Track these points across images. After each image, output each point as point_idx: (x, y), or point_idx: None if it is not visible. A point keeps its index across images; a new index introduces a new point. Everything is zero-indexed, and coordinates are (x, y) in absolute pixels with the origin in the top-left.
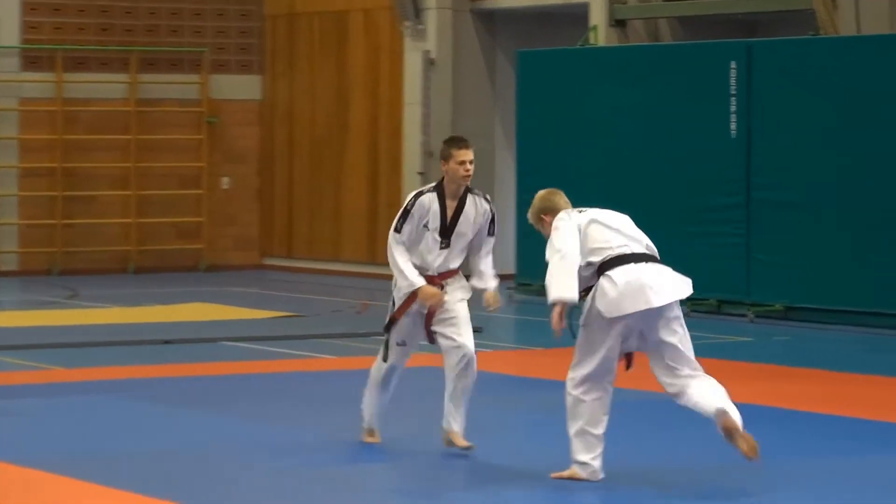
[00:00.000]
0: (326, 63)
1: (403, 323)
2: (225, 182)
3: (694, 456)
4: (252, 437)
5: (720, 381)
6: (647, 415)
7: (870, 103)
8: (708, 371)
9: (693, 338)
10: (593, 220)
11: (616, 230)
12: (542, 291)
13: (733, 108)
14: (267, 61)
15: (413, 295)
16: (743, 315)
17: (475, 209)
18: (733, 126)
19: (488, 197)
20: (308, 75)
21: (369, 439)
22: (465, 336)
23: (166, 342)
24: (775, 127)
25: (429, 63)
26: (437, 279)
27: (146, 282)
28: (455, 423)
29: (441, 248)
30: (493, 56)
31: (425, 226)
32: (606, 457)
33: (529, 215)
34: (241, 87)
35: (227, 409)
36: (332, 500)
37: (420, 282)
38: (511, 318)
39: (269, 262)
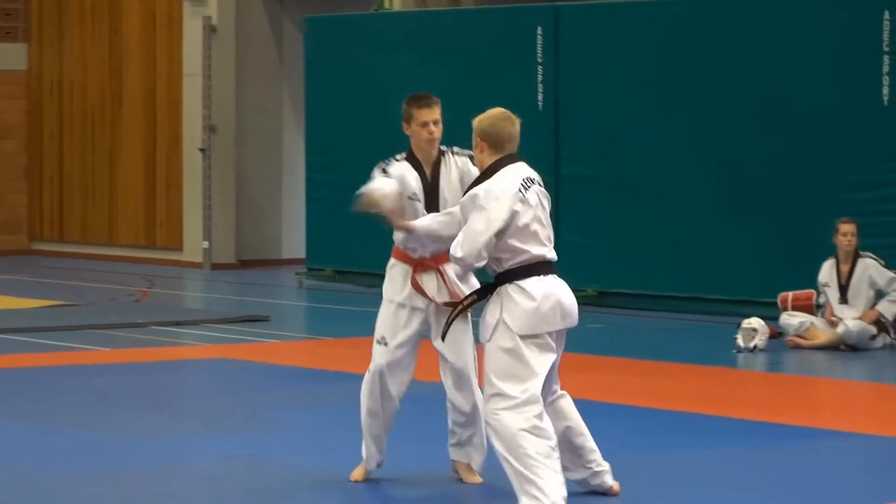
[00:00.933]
0: (98, 29)
1: (383, 313)
2: None
3: None
4: (18, 438)
5: None
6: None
7: (688, 70)
8: None
9: None
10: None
11: (542, 227)
12: (333, 278)
13: (540, 78)
14: (33, 28)
15: (412, 281)
16: None
17: (456, 169)
18: (540, 97)
19: (456, 149)
20: (78, 43)
21: (355, 474)
22: (461, 352)
23: None
24: (585, 97)
25: (210, 30)
26: (431, 262)
27: None
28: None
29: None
30: (280, 23)
31: (410, 197)
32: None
33: (479, 126)
34: (4, 56)
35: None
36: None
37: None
38: (300, 305)
39: (38, 246)
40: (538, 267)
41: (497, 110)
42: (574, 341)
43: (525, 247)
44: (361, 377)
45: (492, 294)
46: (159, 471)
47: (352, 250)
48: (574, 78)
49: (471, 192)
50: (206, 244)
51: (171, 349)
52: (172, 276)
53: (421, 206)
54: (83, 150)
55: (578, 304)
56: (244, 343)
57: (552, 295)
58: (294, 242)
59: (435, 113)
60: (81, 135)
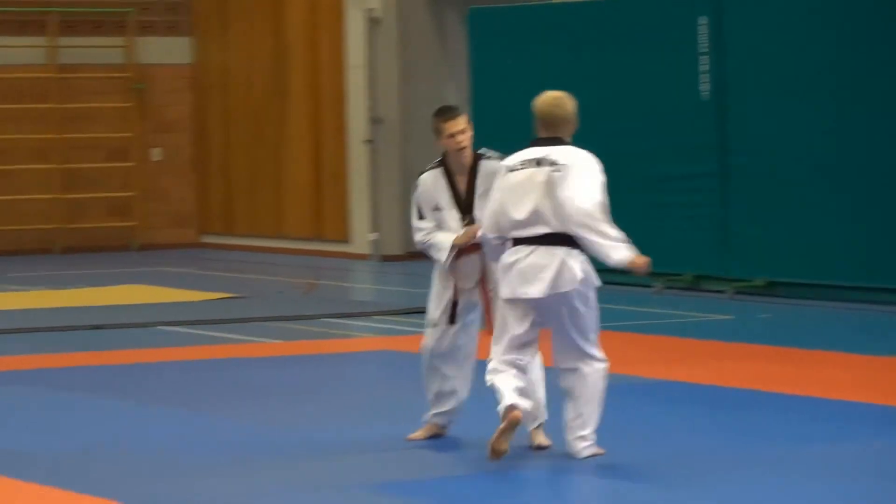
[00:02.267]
0: (262, 22)
1: (434, 295)
2: (156, 153)
3: (676, 442)
4: (188, 429)
5: (699, 363)
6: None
7: (856, 55)
8: (686, 352)
9: (668, 316)
10: None
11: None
12: None
13: (704, 68)
14: (197, 21)
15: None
16: (721, 291)
17: (484, 173)
18: (703, 87)
19: (490, 153)
20: (242, 36)
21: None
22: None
23: (96, 328)
24: (751, 86)
25: (372, 22)
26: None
27: (74, 262)
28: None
29: (464, 225)
30: (443, 14)
31: (436, 208)
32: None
33: (534, 108)
34: (170, 50)
35: (162, 399)
36: (262, 493)
37: (450, 238)
38: None
39: (206, 239)
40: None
41: (549, 94)
42: (743, 331)
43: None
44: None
45: None
46: (323, 461)
47: None
48: (739, 67)
49: None
50: (373, 236)
51: (340, 341)
52: (340, 268)
53: (449, 213)
54: (249, 143)
55: (747, 293)
56: (413, 335)
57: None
58: None
59: (460, 123)
60: (247, 128)
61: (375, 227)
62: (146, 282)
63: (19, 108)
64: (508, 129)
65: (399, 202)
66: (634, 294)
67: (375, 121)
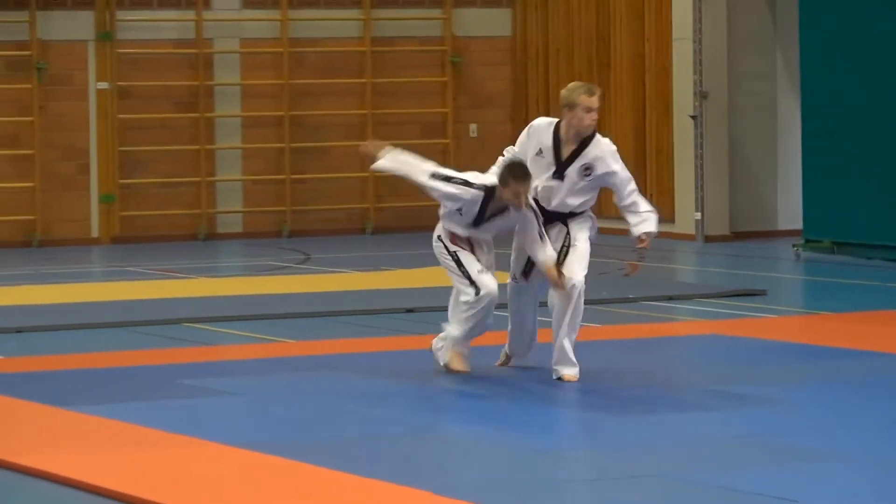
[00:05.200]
0: None
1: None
2: (473, 129)
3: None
4: (503, 416)
5: None
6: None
7: None
8: None
9: None
10: None
11: None
12: (832, 249)
13: None
14: None
15: None
16: None
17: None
18: None
19: None
20: (564, 8)
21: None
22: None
23: (409, 311)
24: None
25: None
26: None
27: (386, 243)
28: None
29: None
30: None
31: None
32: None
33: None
34: (488, 23)
35: (477, 385)
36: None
37: None
38: (797, 278)
39: None
40: None
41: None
42: None
43: None
44: (864, 353)
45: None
46: (653, 449)
47: (851, 220)
48: None
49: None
50: (698, 215)
51: (663, 325)
52: (664, 248)
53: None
54: None
55: None
56: (738, 318)
57: None
58: (790, 213)
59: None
60: None
61: (700, 206)
62: None
63: (334, 83)
64: (839, 101)
65: (724, 180)
66: None
67: (701, 95)
